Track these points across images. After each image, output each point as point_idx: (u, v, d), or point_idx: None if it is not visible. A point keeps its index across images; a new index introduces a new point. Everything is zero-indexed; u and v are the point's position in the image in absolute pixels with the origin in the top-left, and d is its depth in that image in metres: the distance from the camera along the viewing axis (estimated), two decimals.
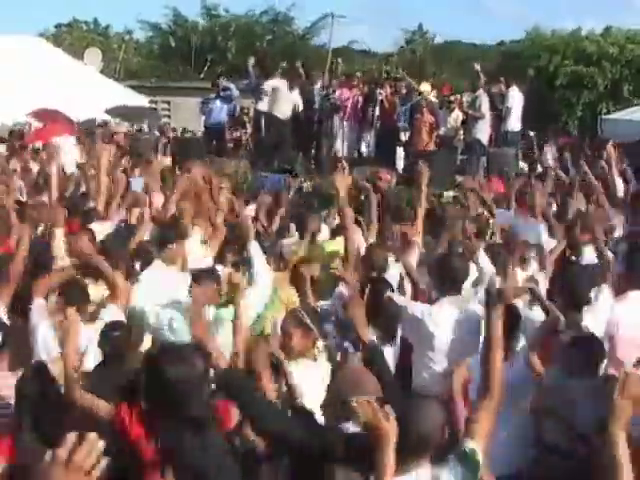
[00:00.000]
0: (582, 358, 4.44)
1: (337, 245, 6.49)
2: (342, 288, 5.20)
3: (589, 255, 6.33)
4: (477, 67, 12.80)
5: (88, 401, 3.67)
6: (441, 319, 4.91)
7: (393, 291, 4.88)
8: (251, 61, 13.55)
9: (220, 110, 13.53)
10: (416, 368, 4.98)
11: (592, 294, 5.07)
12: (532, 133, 15.20)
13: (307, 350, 4.26)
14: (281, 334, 4.26)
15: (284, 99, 12.24)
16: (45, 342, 4.61)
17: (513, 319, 4.67)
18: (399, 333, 4.80)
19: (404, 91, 13.27)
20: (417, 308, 4.93)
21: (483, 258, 5.44)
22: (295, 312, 4.38)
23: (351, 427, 3.04)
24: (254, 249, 5.24)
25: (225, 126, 14.06)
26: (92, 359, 4.47)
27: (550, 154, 13.60)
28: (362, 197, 7.89)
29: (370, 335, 3.86)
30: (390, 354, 4.64)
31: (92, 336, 4.50)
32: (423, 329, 4.87)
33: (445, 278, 5.06)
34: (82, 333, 4.55)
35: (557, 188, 9.24)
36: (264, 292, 5.18)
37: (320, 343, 4.38)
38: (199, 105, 14.43)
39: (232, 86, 13.87)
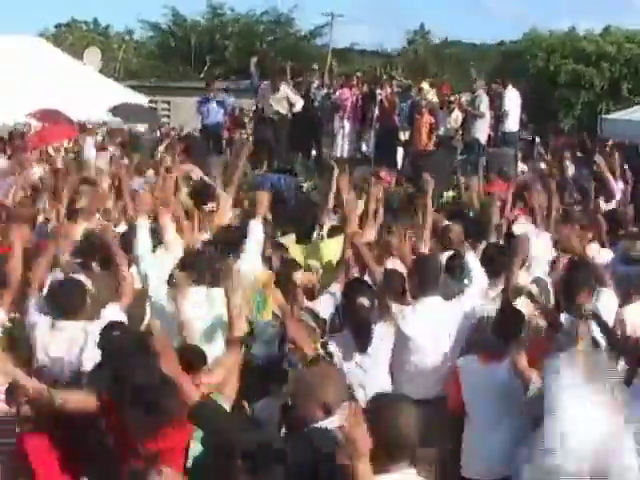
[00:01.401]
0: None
1: (334, 245, 6.49)
2: (335, 287, 5.19)
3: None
4: (474, 75, 12.89)
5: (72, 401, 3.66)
6: (416, 320, 4.87)
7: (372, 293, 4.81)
8: (254, 60, 13.55)
9: (217, 110, 13.54)
10: (395, 373, 4.94)
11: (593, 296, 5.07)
12: (538, 139, 15.25)
13: (312, 352, 4.16)
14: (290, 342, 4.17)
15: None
16: (43, 341, 4.64)
17: (518, 322, 4.68)
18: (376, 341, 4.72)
19: (396, 89, 13.30)
20: (394, 309, 4.87)
21: (472, 260, 5.43)
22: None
23: (328, 424, 3.01)
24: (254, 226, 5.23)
25: (222, 126, 14.05)
26: (90, 356, 4.49)
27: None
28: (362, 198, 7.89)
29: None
30: (363, 363, 4.62)
31: (90, 334, 4.54)
32: (397, 331, 4.85)
33: (419, 279, 5.06)
34: (80, 333, 4.60)
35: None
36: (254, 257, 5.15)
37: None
38: (198, 105, 14.41)
39: (224, 96, 13.82)
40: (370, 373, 4.56)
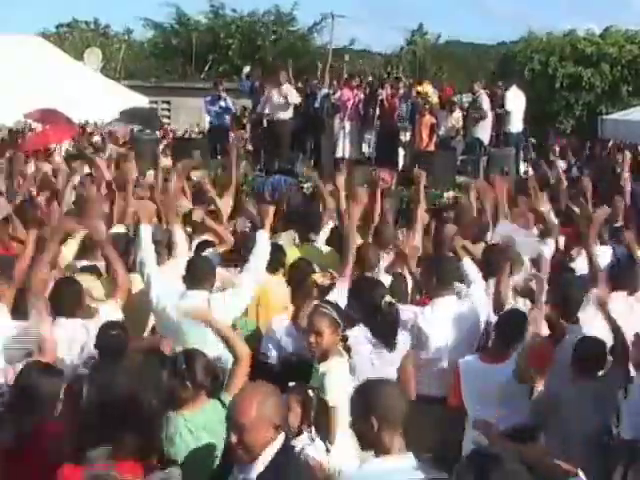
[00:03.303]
0: (581, 361, 4.45)
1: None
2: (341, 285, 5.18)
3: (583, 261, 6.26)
4: (476, 87, 12.93)
5: None
6: (435, 320, 4.93)
7: (393, 295, 4.82)
8: (246, 70, 13.68)
9: (225, 110, 13.60)
10: None
11: (584, 299, 5.10)
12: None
13: (334, 346, 4.16)
14: (312, 333, 4.13)
15: (286, 106, 12.32)
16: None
17: (520, 324, 4.67)
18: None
19: (401, 92, 13.27)
20: (409, 310, 4.94)
21: (468, 262, 5.45)
22: (321, 308, 4.23)
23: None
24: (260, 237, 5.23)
25: (229, 127, 14.09)
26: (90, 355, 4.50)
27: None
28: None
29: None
30: (392, 360, 4.62)
31: (91, 331, 4.54)
32: (418, 331, 4.88)
33: (437, 279, 5.11)
34: (80, 329, 4.60)
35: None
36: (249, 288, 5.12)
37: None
38: (203, 104, 14.44)
39: (229, 101, 13.86)
40: (395, 368, 4.58)
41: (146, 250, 5.06)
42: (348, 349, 4.24)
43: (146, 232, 5.14)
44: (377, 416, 2.93)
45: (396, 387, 3.13)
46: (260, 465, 2.93)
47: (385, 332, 4.53)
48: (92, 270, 5.50)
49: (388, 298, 4.58)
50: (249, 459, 2.95)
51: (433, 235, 6.76)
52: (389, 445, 2.95)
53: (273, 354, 4.88)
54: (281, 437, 2.99)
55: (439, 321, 4.94)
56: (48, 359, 4.15)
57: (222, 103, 13.40)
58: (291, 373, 4.36)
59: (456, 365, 4.77)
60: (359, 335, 4.48)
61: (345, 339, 4.25)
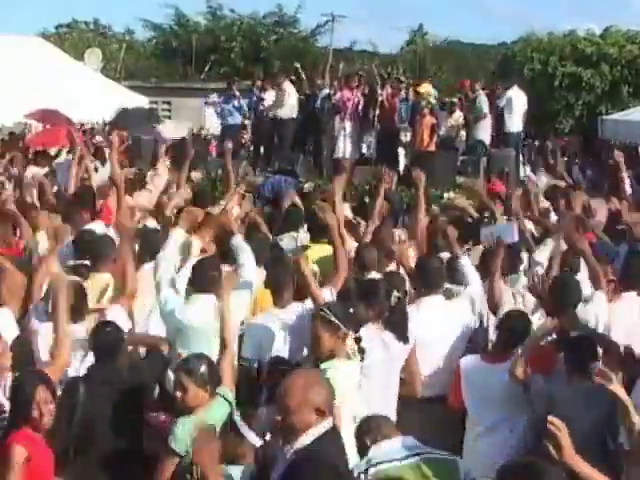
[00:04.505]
0: (573, 360, 4.44)
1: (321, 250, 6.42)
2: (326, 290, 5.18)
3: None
4: (477, 87, 12.95)
5: None
6: (419, 320, 4.92)
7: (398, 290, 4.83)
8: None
9: (237, 110, 13.67)
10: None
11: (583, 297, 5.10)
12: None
13: (338, 348, 4.14)
14: (312, 337, 4.17)
15: (289, 102, 12.37)
16: (46, 346, 4.61)
17: (525, 325, 4.67)
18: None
19: (404, 93, 13.25)
20: None
21: (466, 261, 5.45)
22: (320, 312, 4.22)
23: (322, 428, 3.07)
24: (237, 242, 5.20)
25: (241, 126, 14.16)
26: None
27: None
28: (365, 198, 7.90)
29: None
30: (400, 355, 4.67)
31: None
32: None
33: (423, 279, 5.14)
34: (84, 334, 4.59)
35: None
36: (249, 286, 5.09)
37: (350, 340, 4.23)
38: (215, 105, 14.50)
39: (242, 101, 13.90)
40: (401, 364, 4.67)
41: (165, 253, 5.02)
42: (362, 350, 4.25)
43: (174, 237, 5.12)
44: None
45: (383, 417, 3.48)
46: (298, 444, 3.01)
47: (398, 326, 4.61)
48: (80, 269, 5.50)
49: (396, 293, 4.64)
50: (290, 439, 3.04)
51: (427, 236, 6.76)
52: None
53: (252, 357, 4.86)
54: (327, 422, 3.05)
55: (423, 321, 4.94)
56: (64, 360, 4.15)
57: (235, 102, 13.49)
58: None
59: (457, 365, 4.78)
60: (368, 333, 4.49)
61: (359, 340, 4.26)
